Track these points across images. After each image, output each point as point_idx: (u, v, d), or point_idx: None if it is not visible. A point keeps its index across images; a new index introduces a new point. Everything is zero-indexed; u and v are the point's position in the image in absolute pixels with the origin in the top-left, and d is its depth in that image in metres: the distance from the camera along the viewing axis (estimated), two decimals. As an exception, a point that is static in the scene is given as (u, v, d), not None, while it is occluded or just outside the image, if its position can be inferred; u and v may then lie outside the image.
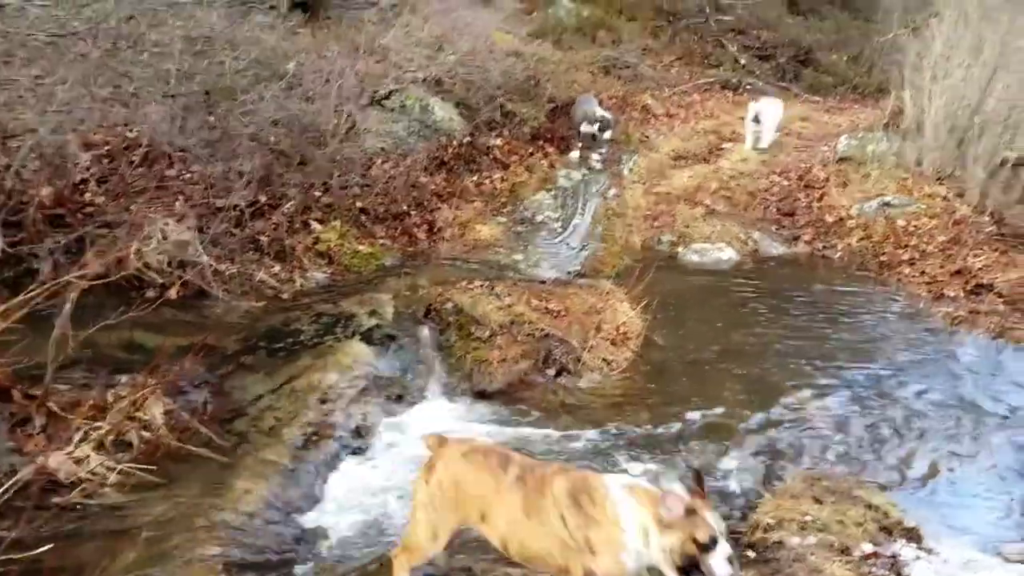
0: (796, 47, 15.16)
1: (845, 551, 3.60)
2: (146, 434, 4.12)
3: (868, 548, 3.66)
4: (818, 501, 3.96)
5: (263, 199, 6.25)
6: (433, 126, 7.97)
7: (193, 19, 5.61)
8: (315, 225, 6.41)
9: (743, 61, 14.44)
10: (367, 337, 5.28)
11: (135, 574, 3.29)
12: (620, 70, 12.39)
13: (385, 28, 7.75)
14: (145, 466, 3.86)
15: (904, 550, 3.72)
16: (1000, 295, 6.69)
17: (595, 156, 9.19)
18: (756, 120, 10.04)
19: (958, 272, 7.10)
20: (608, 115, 9.25)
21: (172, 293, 5.36)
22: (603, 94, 10.55)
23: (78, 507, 3.65)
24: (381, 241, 6.73)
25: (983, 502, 4.35)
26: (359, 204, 6.82)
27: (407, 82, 7.69)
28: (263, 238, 6.07)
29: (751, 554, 3.58)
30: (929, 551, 3.76)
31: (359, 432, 4.62)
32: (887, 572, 3.53)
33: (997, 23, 8.37)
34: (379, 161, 7.30)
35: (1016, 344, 6.01)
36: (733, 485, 4.27)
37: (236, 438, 4.26)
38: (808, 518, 3.81)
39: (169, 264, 5.43)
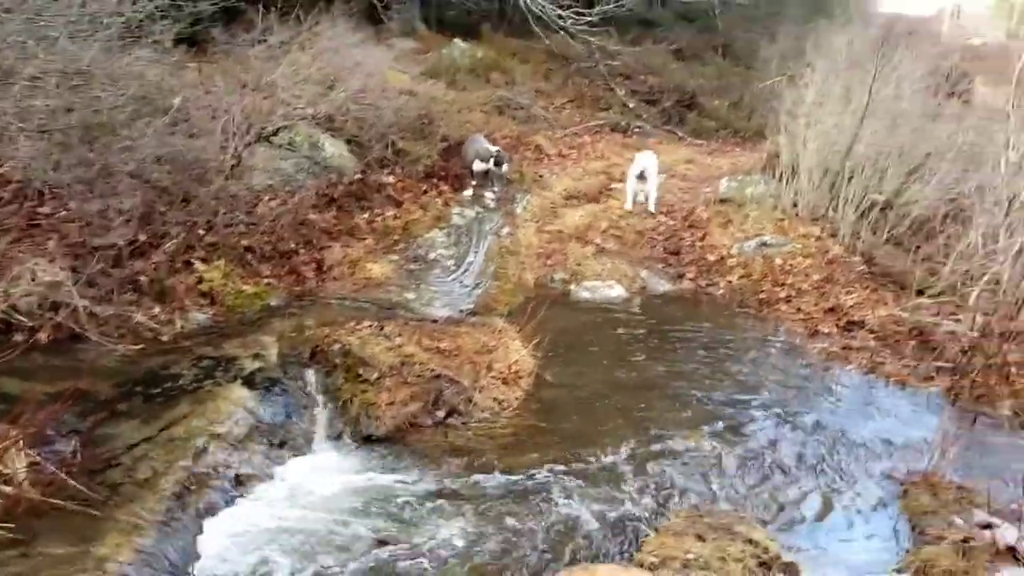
0: (681, 92, 15.72)
1: (726, 588, 3.64)
2: (6, 488, 3.84)
3: (747, 585, 3.72)
4: (700, 538, 3.99)
5: (143, 238, 5.99)
6: (323, 163, 7.84)
7: (67, 52, 5.36)
8: (198, 264, 6.18)
9: (631, 105, 14.86)
10: (249, 381, 5.08)
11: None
12: (513, 111, 12.54)
13: (274, 64, 7.60)
14: (2, 524, 3.60)
15: (782, 585, 3.79)
16: (871, 331, 6.99)
17: (489, 195, 9.22)
18: (641, 176, 9.36)
19: (831, 309, 7.40)
20: (502, 151, 9.30)
21: (42, 337, 5.10)
22: (496, 134, 10.64)
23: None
24: (267, 280, 6.53)
25: (856, 533, 4.48)
26: (244, 242, 6.62)
27: (296, 119, 7.55)
28: (143, 278, 5.81)
29: (637, 595, 3.57)
30: (804, 585, 3.85)
31: (239, 481, 4.42)
32: (766, 607, 3.58)
33: (865, 73, 8.85)
34: (266, 198, 7.12)
35: (886, 379, 6.29)
36: (619, 524, 4.27)
37: (108, 490, 4.00)
38: (690, 555, 3.83)
39: (40, 306, 5.14)
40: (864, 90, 8.64)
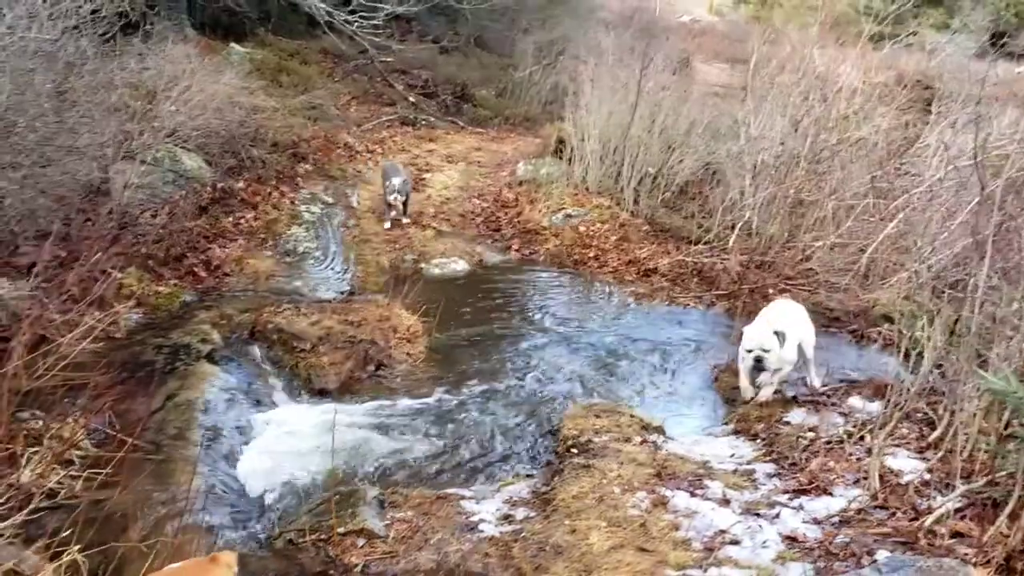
0: (453, 84, 17.72)
1: (628, 440, 5.73)
2: (79, 452, 5.12)
3: (638, 439, 5.83)
4: (598, 416, 6.08)
5: (64, 254, 7.07)
6: (185, 175, 9.04)
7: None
8: (115, 273, 7.33)
9: (412, 99, 16.68)
10: (210, 359, 6.51)
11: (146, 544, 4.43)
12: (308, 111, 13.97)
13: (129, 82, 8.68)
14: (100, 471, 4.90)
15: (658, 439, 5.94)
16: (663, 275, 9.45)
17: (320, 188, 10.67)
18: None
19: (631, 262, 9.76)
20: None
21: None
22: (305, 134, 12.06)
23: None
24: (173, 282, 7.77)
25: (691, 406, 6.80)
26: (144, 251, 7.79)
27: (155, 135, 8.68)
28: (75, 289, 6.90)
29: (575, 450, 5.57)
30: (671, 438, 6.04)
31: (240, 431, 5.90)
32: (654, 449, 5.71)
33: (630, 70, 11.40)
34: (147, 211, 8.28)
35: (682, 307, 8.74)
36: (540, 416, 6.26)
37: (152, 445, 5.38)
38: (597, 427, 5.91)
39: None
40: (632, 84, 11.16)
